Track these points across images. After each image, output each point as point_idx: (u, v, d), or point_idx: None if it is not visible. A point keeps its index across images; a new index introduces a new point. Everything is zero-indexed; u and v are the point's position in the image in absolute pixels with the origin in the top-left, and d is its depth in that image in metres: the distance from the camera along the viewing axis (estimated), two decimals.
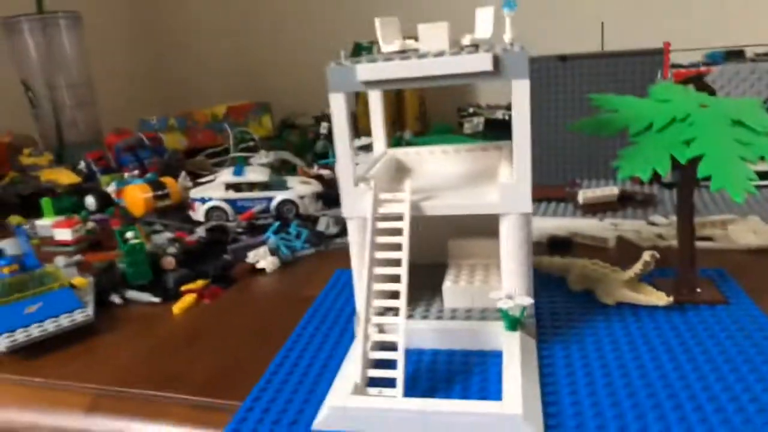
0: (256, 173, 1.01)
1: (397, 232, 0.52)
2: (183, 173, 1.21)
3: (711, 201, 0.91)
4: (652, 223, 0.84)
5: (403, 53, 0.53)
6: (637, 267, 0.59)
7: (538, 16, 1.71)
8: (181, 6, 2.08)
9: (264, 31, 2.01)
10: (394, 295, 0.50)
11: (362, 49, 1.67)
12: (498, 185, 0.52)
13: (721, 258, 0.72)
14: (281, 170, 1.28)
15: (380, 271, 0.52)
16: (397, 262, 0.51)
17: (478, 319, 0.55)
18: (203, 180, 1.11)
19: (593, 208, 0.91)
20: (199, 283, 0.76)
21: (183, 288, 0.75)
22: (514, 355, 0.49)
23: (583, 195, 0.91)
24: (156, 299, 0.73)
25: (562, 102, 1.09)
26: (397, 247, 0.51)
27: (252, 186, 1.01)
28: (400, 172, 0.67)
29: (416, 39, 0.53)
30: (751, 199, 0.90)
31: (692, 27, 1.53)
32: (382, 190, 0.55)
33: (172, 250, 0.82)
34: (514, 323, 0.52)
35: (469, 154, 0.68)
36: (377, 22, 0.58)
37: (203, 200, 1.00)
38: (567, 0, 1.68)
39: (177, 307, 0.70)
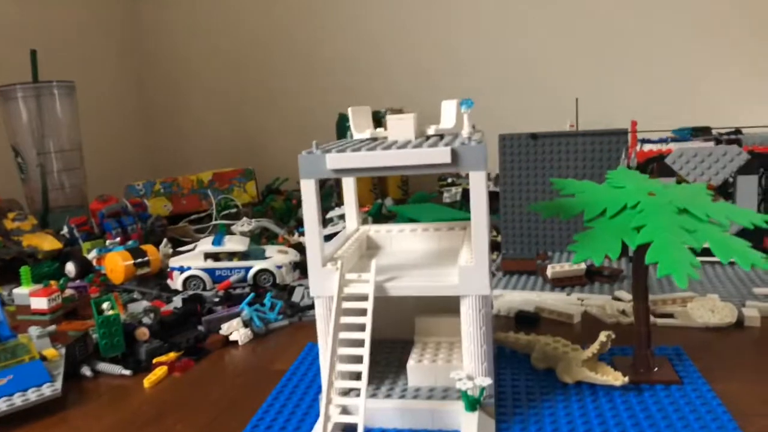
0: (234, 243, 1.03)
1: (362, 312, 0.54)
2: (165, 240, 1.23)
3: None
4: (617, 299, 0.87)
5: (373, 141, 0.56)
6: (594, 347, 0.61)
7: (513, 96, 1.80)
8: (171, 75, 2.16)
9: (252, 99, 2.08)
10: (358, 375, 0.52)
11: (346, 120, 1.73)
12: (457, 268, 0.54)
13: (681, 335, 0.74)
14: (262, 238, 1.30)
15: (344, 351, 0.53)
16: (360, 343, 0.52)
17: (440, 398, 0.56)
18: (183, 249, 1.13)
19: (561, 282, 0.94)
20: (171, 355, 0.76)
21: (155, 360, 0.75)
22: None
23: (552, 270, 0.94)
24: (127, 372, 0.73)
25: (533, 177, 1.14)
26: (361, 327, 0.53)
27: (231, 255, 1.03)
28: (370, 249, 0.70)
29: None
30: (713, 277, 0.94)
31: (663, 103, 1.62)
32: (349, 270, 0.57)
33: (146, 320, 0.83)
34: (473, 404, 0.53)
35: (436, 233, 0.70)
36: (350, 111, 0.62)
37: (181, 269, 1.02)
38: (541, 79, 1.76)
39: (148, 381, 0.71)
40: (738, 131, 1.23)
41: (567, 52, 1.75)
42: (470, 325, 0.54)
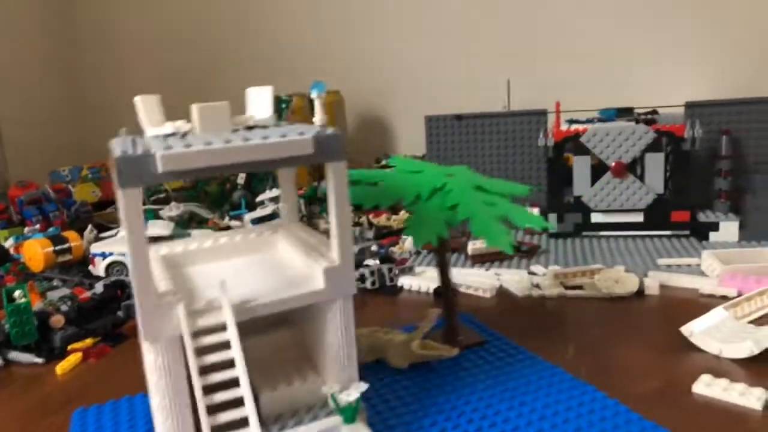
0: (157, 227, 1.02)
1: (226, 345, 0.45)
2: (89, 226, 1.20)
3: (590, 252, 0.99)
4: (532, 273, 0.91)
5: (183, 135, 0.47)
6: (425, 325, 0.64)
7: (443, 77, 1.82)
8: (101, 55, 2.09)
9: (187, 80, 2.03)
10: (242, 422, 0.44)
11: (282, 102, 1.72)
12: (322, 270, 0.48)
13: (587, 305, 0.78)
14: (191, 222, 1.29)
15: (220, 397, 0.44)
16: (235, 382, 0.44)
17: (311, 420, 0.49)
18: (106, 235, 1.11)
19: (482, 258, 0.97)
20: (88, 341, 0.76)
21: (70, 347, 0.74)
22: None
23: (472, 246, 0.97)
24: (39, 360, 0.72)
25: (458, 158, 1.17)
26: (231, 364, 0.45)
27: (155, 239, 1.01)
28: (175, 270, 0.57)
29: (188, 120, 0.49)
30: (623, 249, 0.99)
31: (593, 85, 1.67)
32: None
33: (63, 307, 0.81)
34: (353, 413, 0.49)
35: (242, 242, 0.61)
36: (136, 101, 0.51)
37: (104, 255, 1.00)
38: (473, 61, 1.79)
39: (60, 367, 0.70)
40: (655, 111, 1.28)
41: (499, 32, 1.78)
42: (337, 330, 0.49)
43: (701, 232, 1.01)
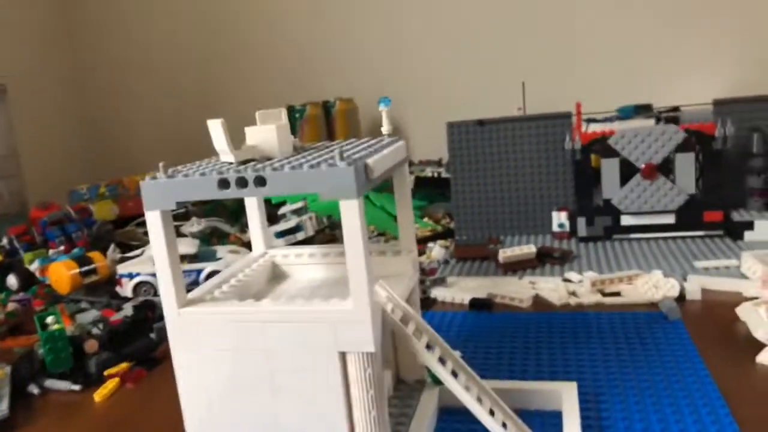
0: (184, 245, 1.01)
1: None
2: (112, 246, 1.20)
3: (623, 256, 0.97)
4: (567, 280, 0.89)
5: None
6: None
7: (460, 82, 1.80)
8: (112, 73, 2.09)
9: (193, 94, 2.03)
10: None
11: (295, 111, 1.71)
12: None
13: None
14: (213, 238, 1.28)
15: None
16: None
17: None
18: (131, 254, 1.10)
19: (513, 266, 0.95)
20: (123, 366, 0.75)
21: (106, 373, 0.73)
22: None
23: (503, 254, 0.95)
24: (76, 387, 0.71)
25: (481, 164, 1.15)
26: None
27: (181, 258, 1.00)
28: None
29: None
30: (657, 253, 0.97)
31: (608, 83, 1.65)
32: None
33: (95, 331, 0.80)
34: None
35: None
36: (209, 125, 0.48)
37: (131, 275, 0.99)
38: (488, 64, 1.78)
39: (98, 394, 0.69)
40: (676, 109, 1.27)
41: (511, 35, 1.76)
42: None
43: (736, 231, 0.99)
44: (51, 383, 0.72)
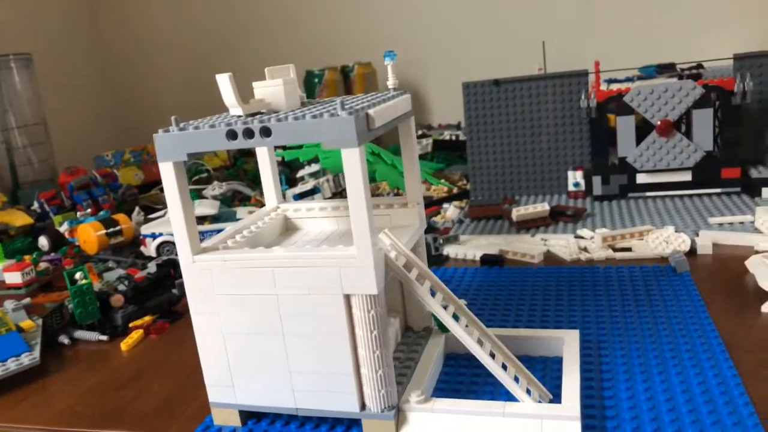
0: (204, 207, 1.04)
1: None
2: (137, 208, 1.24)
3: (637, 214, 0.97)
4: (579, 236, 0.90)
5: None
6: None
7: (479, 42, 1.78)
8: (134, 40, 2.11)
9: (219, 61, 2.04)
10: None
11: (313, 77, 1.72)
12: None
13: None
14: (234, 200, 1.31)
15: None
16: None
17: None
18: (154, 216, 1.13)
19: (526, 224, 0.96)
20: (147, 319, 0.78)
21: (131, 324, 0.77)
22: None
23: (516, 212, 0.96)
24: (104, 337, 0.75)
25: (497, 123, 1.15)
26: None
27: (202, 219, 1.04)
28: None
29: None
30: (671, 210, 0.97)
31: (630, 42, 1.62)
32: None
33: (121, 287, 0.84)
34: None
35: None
36: (218, 78, 0.48)
37: (153, 236, 1.03)
38: (507, 24, 1.75)
39: (124, 344, 0.73)
40: (700, 66, 1.24)
41: None
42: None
43: (754, 188, 0.98)
44: (80, 334, 0.76)
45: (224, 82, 0.48)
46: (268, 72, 0.54)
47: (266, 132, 0.45)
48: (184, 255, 0.50)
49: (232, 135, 0.46)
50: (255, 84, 0.51)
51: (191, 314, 0.52)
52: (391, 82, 0.55)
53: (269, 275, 0.48)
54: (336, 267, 0.46)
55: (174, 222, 0.50)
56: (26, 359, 0.67)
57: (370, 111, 0.45)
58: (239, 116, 0.49)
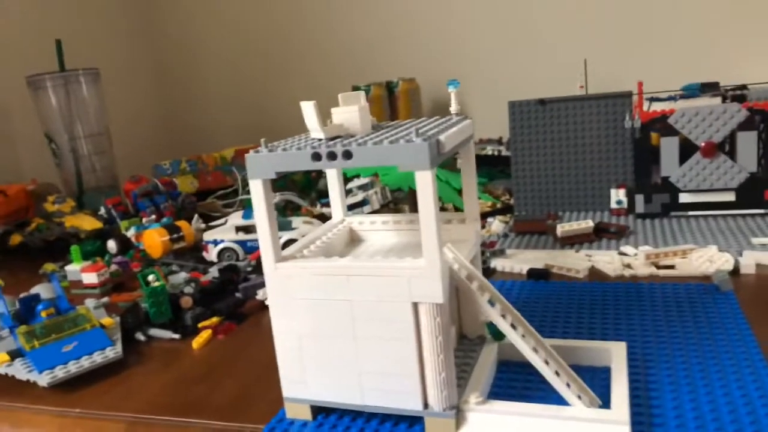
0: None
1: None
2: (196, 216, 1.31)
3: (680, 232, 1.00)
4: (623, 253, 0.93)
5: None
6: None
7: (521, 60, 1.82)
8: (189, 54, 2.21)
9: (270, 76, 2.13)
10: None
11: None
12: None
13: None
14: (287, 210, 1.37)
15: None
16: None
17: None
18: (215, 223, 1.20)
19: (570, 240, 1.00)
20: (214, 319, 0.84)
21: (200, 325, 0.83)
22: None
23: (561, 228, 1.00)
24: (176, 336, 0.82)
25: (542, 141, 1.19)
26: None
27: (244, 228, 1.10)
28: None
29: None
30: (714, 229, 0.99)
31: (672, 61, 1.64)
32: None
33: (189, 289, 0.90)
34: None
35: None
36: (303, 105, 0.55)
37: (215, 242, 1.09)
38: (548, 42, 1.78)
39: (196, 342, 0.79)
40: (744, 87, 1.26)
41: (573, 12, 1.76)
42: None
43: None
44: (154, 332, 0.83)
45: (308, 109, 0.54)
46: (341, 98, 0.59)
47: (348, 155, 0.50)
48: (267, 262, 0.55)
49: (317, 157, 0.51)
50: (333, 110, 0.57)
51: (271, 315, 0.57)
52: (453, 108, 0.60)
53: (344, 282, 0.53)
54: (406, 277, 0.51)
55: (260, 231, 0.55)
56: (111, 353, 0.74)
57: (441, 137, 0.50)
58: (320, 139, 0.54)
